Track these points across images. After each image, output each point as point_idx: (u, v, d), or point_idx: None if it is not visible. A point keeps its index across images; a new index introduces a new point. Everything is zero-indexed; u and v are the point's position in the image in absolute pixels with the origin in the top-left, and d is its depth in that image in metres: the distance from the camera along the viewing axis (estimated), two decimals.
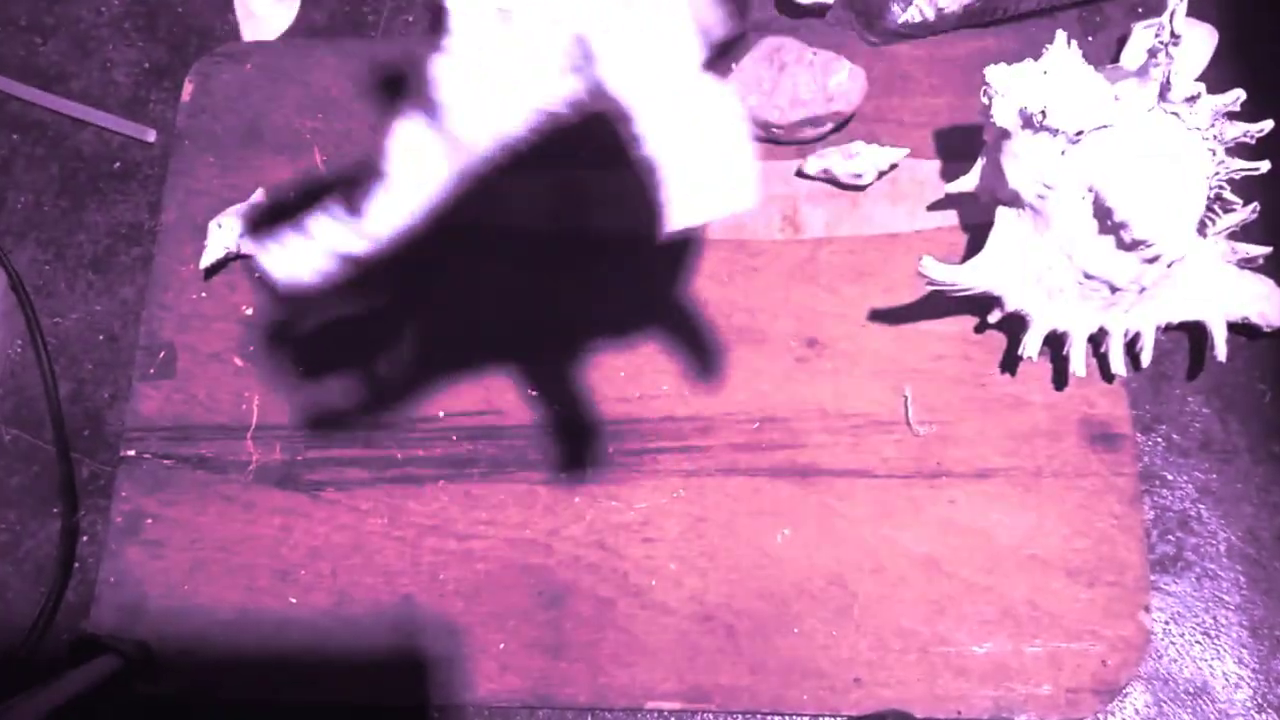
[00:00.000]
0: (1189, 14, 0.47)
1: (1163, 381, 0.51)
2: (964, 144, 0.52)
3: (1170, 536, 0.49)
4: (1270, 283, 0.49)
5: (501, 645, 0.48)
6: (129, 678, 0.48)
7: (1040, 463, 0.49)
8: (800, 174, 0.54)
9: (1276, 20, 0.55)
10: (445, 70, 0.32)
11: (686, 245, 0.53)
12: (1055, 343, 0.49)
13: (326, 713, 0.48)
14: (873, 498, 0.49)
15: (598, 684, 0.47)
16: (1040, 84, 0.45)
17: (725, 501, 0.49)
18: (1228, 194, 0.46)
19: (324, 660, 0.49)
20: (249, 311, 0.54)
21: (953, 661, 0.47)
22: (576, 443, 0.51)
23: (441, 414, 0.52)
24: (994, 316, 0.49)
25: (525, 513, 0.50)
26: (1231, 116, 0.47)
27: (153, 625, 0.50)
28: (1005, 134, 0.46)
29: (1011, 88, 0.46)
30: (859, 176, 0.52)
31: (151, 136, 0.58)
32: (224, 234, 0.54)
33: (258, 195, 0.55)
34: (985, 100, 0.47)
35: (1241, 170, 0.46)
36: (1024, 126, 0.46)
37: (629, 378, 0.52)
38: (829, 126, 0.54)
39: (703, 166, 0.30)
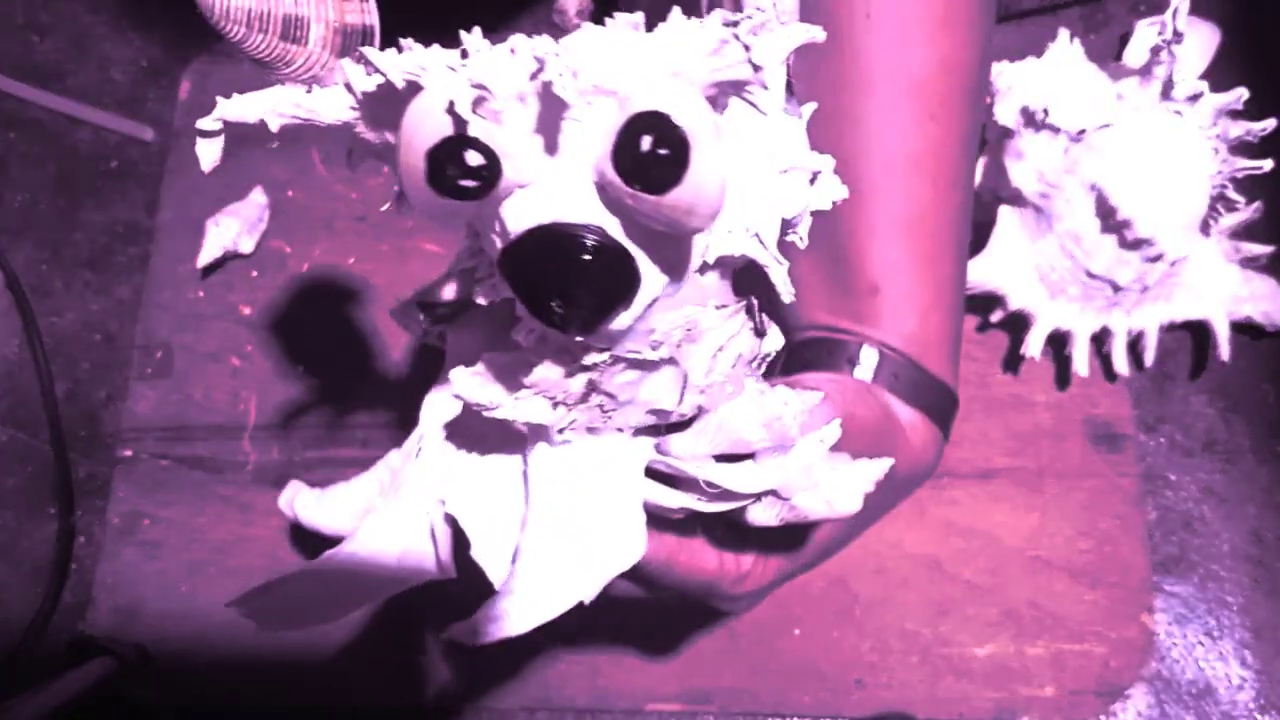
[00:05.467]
0: (1191, 12, 0.46)
1: (1166, 381, 0.51)
2: None
3: (1174, 537, 0.48)
4: (1274, 282, 0.49)
5: (501, 646, 0.48)
6: (126, 679, 0.48)
7: (1043, 463, 0.49)
8: None
9: (1279, 18, 0.54)
10: None
11: None
12: (1058, 342, 0.49)
13: (326, 714, 0.48)
14: None
15: (597, 686, 0.47)
16: (1042, 82, 0.45)
17: None
18: (1231, 193, 0.46)
19: (322, 661, 0.49)
20: (246, 311, 0.54)
21: (955, 663, 0.46)
22: None
23: None
24: (996, 316, 0.48)
25: None
26: (1234, 115, 0.46)
27: (150, 626, 0.49)
28: (1007, 132, 0.46)
29: (1013, 86, 0.46)
30: None
31: (149, 135, 0.58)
32: (221, 233, 0.53)
33: (256, 194, 0.55)
34: (987, 99, 0.46)
35: (1245, 169, 0.46)
36: (1026, 125, 0.45)
37: None
38: None
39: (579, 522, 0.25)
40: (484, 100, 0.20)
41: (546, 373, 0.24)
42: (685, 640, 0.47)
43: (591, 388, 0.24)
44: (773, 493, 0.26)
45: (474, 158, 0.20)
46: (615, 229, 0.21)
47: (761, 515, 0.27)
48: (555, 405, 0.25)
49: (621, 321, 0.22)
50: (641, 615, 0.48)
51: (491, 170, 0.20)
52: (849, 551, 0.48)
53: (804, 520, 0.27)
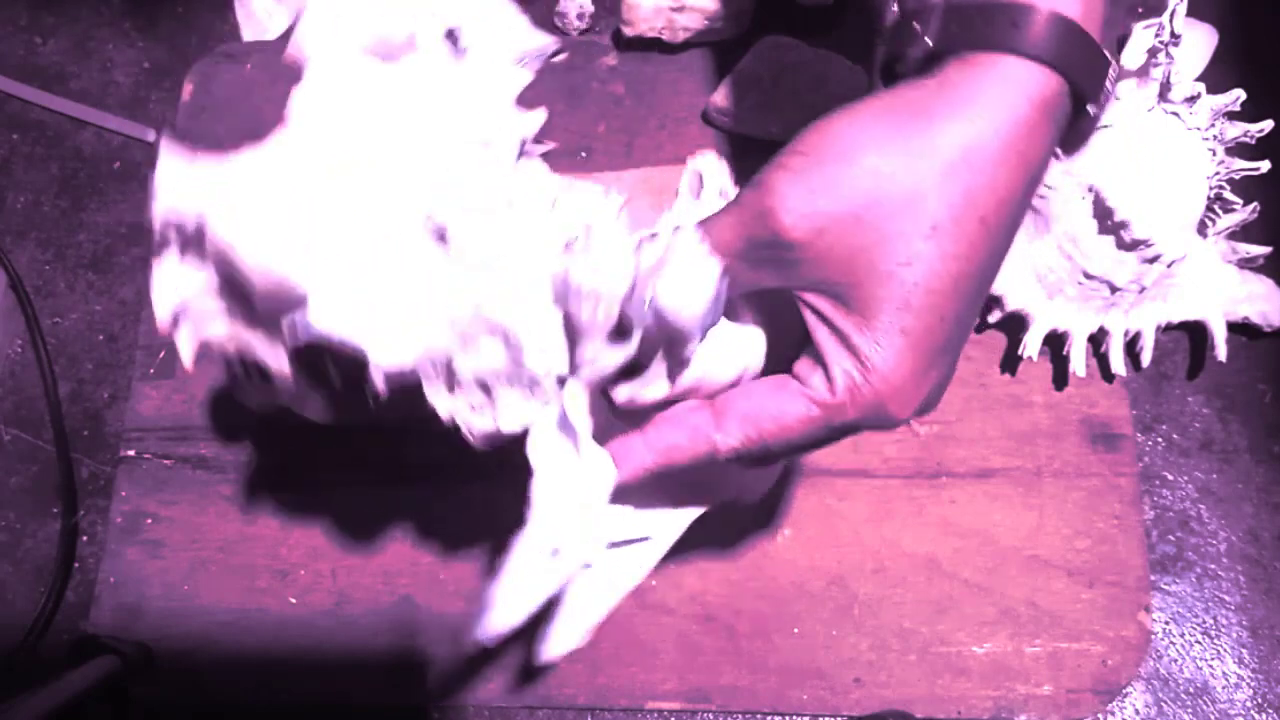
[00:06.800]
0: (1189, 14, 0.47)
1: (1163, 381, 0.51)
2: None
3: (1171, 537, 0.48)
4: (1270, 282, 0.49)
5: (501, 645, 0.48)
6: (128, 678, 0.48)
7: (1041, 463, 0.49)
8: None
9: (1276, 20, 0.55)
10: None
11: None
12: (1055, 342, 0.49)
13: (326, 713, 0.48)
14: (873, 498, 0.49)
15: (597, 684, 0.47)
16: None
17: None
18: (1228, 194, 0.46)
19: (324, 660, 0.49)
20: None
21: (953, 662, 0.47)
22: None
23: None
24: (994, 316, 0.49)
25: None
26: (1231, 116, 0.47)
27: (152, 625, 0.50)
28: None
29: None
30: None
31: (151, 136, 0.58)
32: None
33: None
34: None
35: (1241, 170, 0.46)
36: None
37: None
38: None
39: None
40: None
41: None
42: (685, 639, 0.48)
43: (448, 374, 0.32)
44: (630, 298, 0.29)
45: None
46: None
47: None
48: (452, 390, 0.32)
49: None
50: (641, 614, 0.48)
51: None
52: (848, 551, 0.48)
53: (670, 321, 0.28)
